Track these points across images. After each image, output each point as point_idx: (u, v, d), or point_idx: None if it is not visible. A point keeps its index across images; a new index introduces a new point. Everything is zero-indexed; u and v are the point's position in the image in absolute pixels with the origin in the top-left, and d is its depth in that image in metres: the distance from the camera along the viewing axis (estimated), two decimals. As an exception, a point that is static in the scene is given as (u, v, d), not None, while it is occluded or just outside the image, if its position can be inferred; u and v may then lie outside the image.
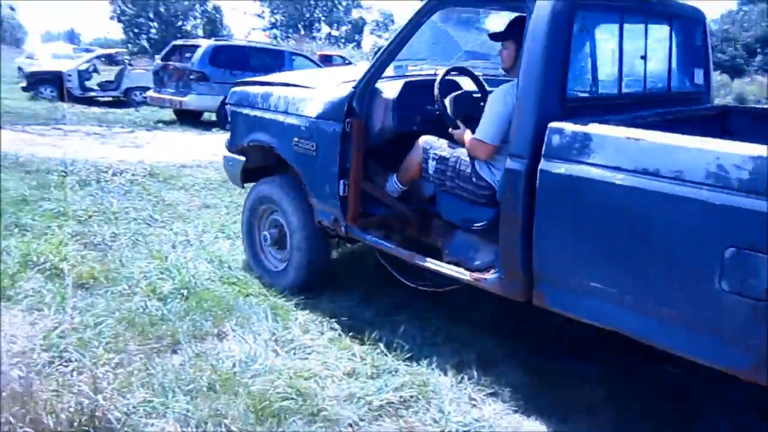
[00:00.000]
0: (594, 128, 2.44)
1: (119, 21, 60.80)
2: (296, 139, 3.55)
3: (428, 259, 3.14)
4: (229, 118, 4.24)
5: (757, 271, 1.98)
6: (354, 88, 3.31)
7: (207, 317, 3.30)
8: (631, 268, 2.32)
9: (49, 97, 15.66)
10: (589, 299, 2.47)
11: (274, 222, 3.90)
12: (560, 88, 2.64)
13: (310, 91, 3.60)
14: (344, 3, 62.10)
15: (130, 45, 58.05)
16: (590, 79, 3.24)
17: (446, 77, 3.41)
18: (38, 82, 16.08)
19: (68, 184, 5.74)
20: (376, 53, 3.39)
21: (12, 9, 56.88)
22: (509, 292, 2.78)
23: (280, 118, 3.67)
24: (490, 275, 2.84)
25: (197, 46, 12.15)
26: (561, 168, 2.46)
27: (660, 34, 3.43)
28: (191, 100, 11.59)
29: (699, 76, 3.70)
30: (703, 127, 2.87)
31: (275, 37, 56.22)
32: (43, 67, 17.63)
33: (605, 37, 3.26)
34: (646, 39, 3.25)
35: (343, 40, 57.82)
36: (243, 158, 4.11)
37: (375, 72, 3.28)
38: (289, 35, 55.61)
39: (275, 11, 62.93)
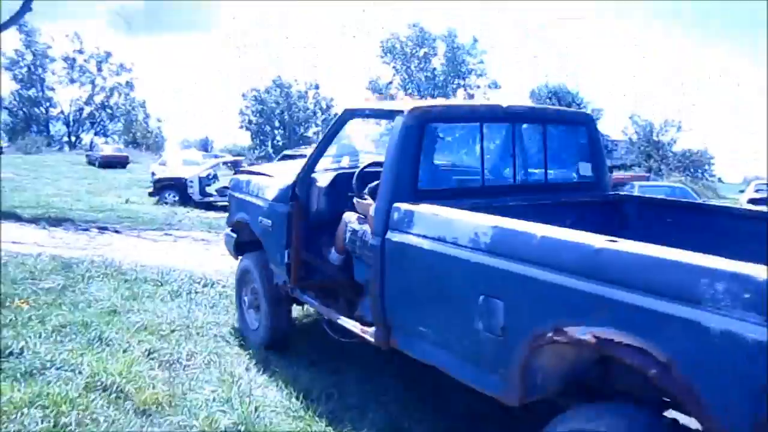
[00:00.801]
0: (414, 207, 3.13)
1: (247, 129, 65.78)
2: (260, 217, 4.45)
3: (341, 316, 3.78)
4: (228, 201, 5.29)
5: (495, 313, 2.54)
6: (296, 177, 4.12)
7: (260, 462, 2.98)
8: (436, 314, 2.97)
9: (171, 202, 16.71)
10: (421, 342, 3.07)
11: (253, 289, 4.71)
12: (411, 180, 3.32)
13: (272, 179, 4.48)
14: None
15: (255, 151, 62.34)
16: (450, 172, 4.04)
17: (366, 169, 4.03)
18: (163, 188, 17.25)
19: (160, 295, 5.76)
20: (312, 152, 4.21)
21: (159, 121, 62.84)
22: (379, 341, 3.33)
23: (252, 200, 4.61)
24: (371, 329, 3.40)
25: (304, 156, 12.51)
26: (396, 237, 3.15)
27: (535, 135, 4.08)
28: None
29: (587, 169, 4.18)
30: (574, 212, 3.69)
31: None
32: (168, 173, 18.96)
33: (469, 139, 4.11)
34: (514, 141, 3.87)
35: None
36: (235, 234, 5.01)
37: (309, 166, 4.13)
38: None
39: (391, 118, 65.47)
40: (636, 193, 13.34)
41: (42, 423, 3.16)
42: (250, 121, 66.95)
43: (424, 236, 2.98)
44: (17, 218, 10.63)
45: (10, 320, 4.72)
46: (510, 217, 2.73)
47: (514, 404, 2.54)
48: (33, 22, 53.44)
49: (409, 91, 56.70)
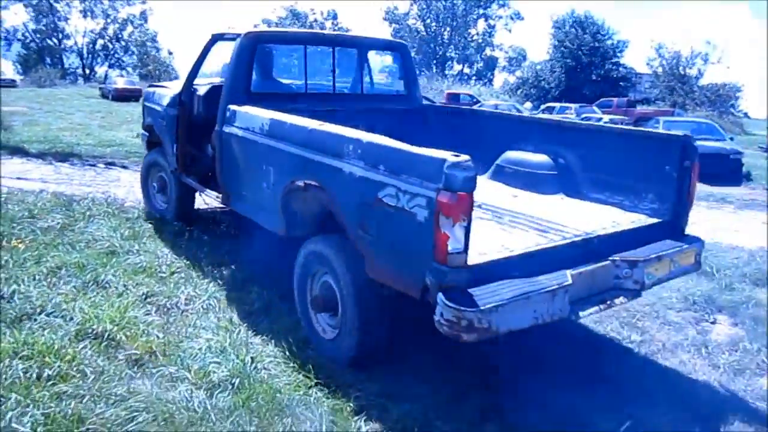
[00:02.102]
0: (237, 107, 4.41)
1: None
2: (159, 119, 5.68)
3: (206, 189, 5.08)
4: (142, 109, 6.33)
5: (269, 175, 3.98)
6: (182, 88, 5.24)
7: (253, 418, 2.79)
8: (247, 181, 4.30)
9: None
10: (243, 203, 4.45)
11: (160, 177, 6.00)
12: (245, 87, 4.63)
13: (169, 90, 5.66)
14: (477, 41, 61.71)
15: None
16: (279, 82, 5.42)
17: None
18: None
19: (162, 235, 5.55)
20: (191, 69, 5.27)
21: (170, 53, 61.71)
22: (224, 204, 4.75)
23: (155, 107, 5.78)
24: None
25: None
26: (226, 129, 4.46)
27: (355, 57, 5.47)
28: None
29: (399, 85, 5.62)
30: (386, 117, 5.14)
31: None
32: None
33: (296, 57, 5.54)
34: (333, 60, 5.22)
35: (474, 78, 57.54)
36: (147, 133, 6.19)
37: (190, 79, 5.24)
38: (422, 73, 56.25)
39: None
40: (660, 129, 12.92)
41: (24, 375, 2.98)
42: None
43: (239, 127, 4.30)
44: (25, 153, 10.40)
45: (5, 261, 4.54)
46: (327, 117, 3.95)
47: (284, 235, 3.89)
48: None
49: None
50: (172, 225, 5.73)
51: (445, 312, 2.60)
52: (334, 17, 68.45)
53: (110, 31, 59.86)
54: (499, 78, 61.57)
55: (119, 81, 35.46)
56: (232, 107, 4.43)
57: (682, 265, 3.58)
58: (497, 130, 5.06)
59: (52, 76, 44.70)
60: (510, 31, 65.06)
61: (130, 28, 60.39)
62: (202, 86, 5.28)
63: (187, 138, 5.24)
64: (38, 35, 57.83)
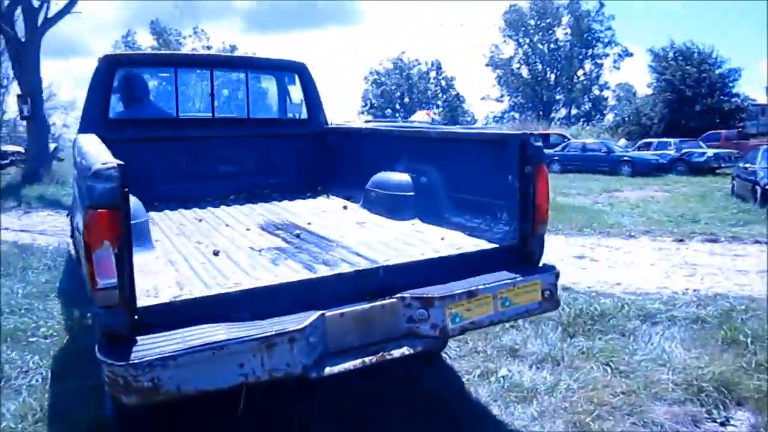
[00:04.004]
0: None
1: (369, 113, 66.18)
2: None
3: None
4: None
5: None
6: None
7: None
8: None
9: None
10: None
11: None
12: (102, 113, 4.39)
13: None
14: (583, 82, 59.79)
15: (376, 135, 62.54)
16: (147, 107, 4.96)
17: None
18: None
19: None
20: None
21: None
22: None
23: None
24: None
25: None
26: None
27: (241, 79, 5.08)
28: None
29: (298, 108, 5.22)
30: (279, 142, 5.10)
31: (513, 120, 56.09)
32: None
33: (169, 81, 4.93)
34: (212, 82, 4.87)
35: (583, 120, 55.50)
36: None
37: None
38: (526, 117, 55.08)
39: (514, 95, 63.18)
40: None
41: None
42: (372, 105, 67.47)
43: None
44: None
45: None
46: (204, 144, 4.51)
47: None
48: (165, 21, 57.52)
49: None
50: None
51: (103, 366, 2.07)
52: (438, 67, 69.21)
53: (225, 93, 63.86)
54: (610, 117, 58.99)
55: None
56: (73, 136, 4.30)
57: (521, 303, 2.81)
58: (393, 149, 4.46)
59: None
60: (618, 68, 62.24)
61: (240, 93, 64.14)
62: None
63: None
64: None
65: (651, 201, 13.95)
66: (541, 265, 3.01)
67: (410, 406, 3.26)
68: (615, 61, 58.93)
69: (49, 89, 39.61)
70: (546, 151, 17.94)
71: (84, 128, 4.20)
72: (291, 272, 2.73)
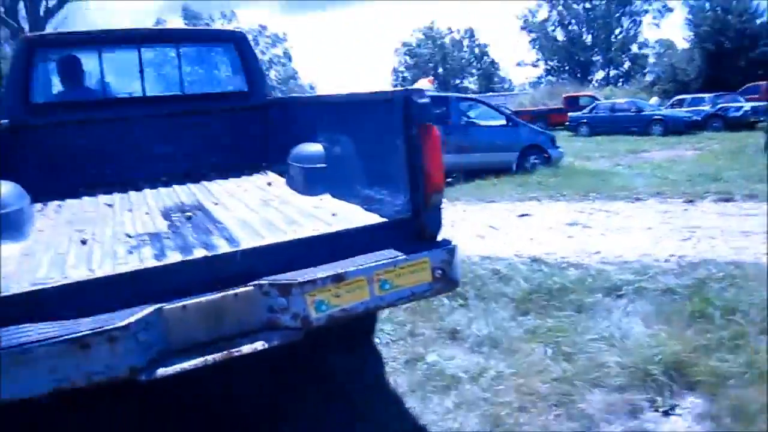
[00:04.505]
0: None
1: (402, 86, 65.33)
2: None
3: None
4: None
5: None
6: None
7: None
8: None
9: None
10: None
11: None
12: (23, 97, 4.13)
13: None
14: (621, 41, 57.62)
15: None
16: (71, 89, 4.58)
17: None
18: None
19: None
20: None
21: (312, 88, 64.80)
22: None
23: None
24: None
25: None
26: None
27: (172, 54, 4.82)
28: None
29: (238, 81, 4.82)
30: (218, 118, 4.71)
31: (550, 84, 54.55)
32: None
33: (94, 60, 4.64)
34: (140, 59, 4.57)
35: (621, 80, 53.58)
36: None
37: None
38: (563, 80, 53.51)
39: (549, 59, 61.44)
40: None
41: None
42: (404, 78, 66.64)
43: None
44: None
45: None
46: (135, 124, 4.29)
47: None
48: (199, 7, 57.91)
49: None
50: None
51: None
52: (471, 35, 67.85)
53: (258, 73, 64.12)
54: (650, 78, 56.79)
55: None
56: None
57: (405, 286, 2.44)
58: (317, 119, 4.10)
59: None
60: (658, 26, 59.76)
61: (274, 70, 64.30)
62: None
63: None
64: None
65: (677, 161, 13.20)
66: (439, 240, 2.64)
67: (313, 401, 2.95)
68: (654, 17, 56.54)
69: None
70: (573, 114, 17.20)
71: (6, 114, 4.02)
72: (137, 261, 2.43)
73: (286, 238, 2.52)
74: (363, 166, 3.13)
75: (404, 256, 2.45)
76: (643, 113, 21.39)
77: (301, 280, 2.28)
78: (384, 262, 2.41)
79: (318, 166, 3.44)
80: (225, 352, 2.20)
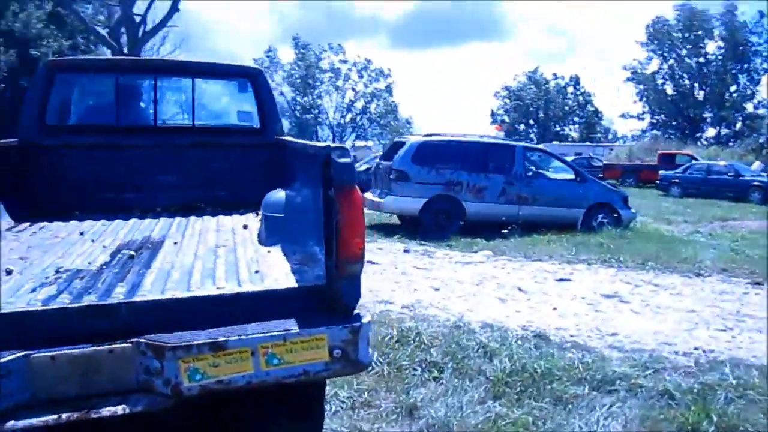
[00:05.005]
0: None
1: (501, 122, 64.99)
2: None
3: None
4: None
5: None
6: None
7: None
8: None
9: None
10: None
11: None
12: (39, 118, 4.26)
13: None
14: (735, 98, 54.65)
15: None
16: (86, 113, 4.92)
17: None
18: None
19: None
20: None
21: (408, 123, 65.51)
22: None
23: None
24: None
25: (413, 143, 11.40)
26: None
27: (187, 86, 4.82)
28: (388, 202, 10.71)
29: (249, 117, 4.84)
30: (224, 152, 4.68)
31: (655, 138, 52.37)
32: None
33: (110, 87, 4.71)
34: (155, 89, 4.67)
35: (733, 140, 50.62)
36: None
37: None
38: (670, 136, 51.29)
39: (657, 112, 59.11)
40: None
41: None
42: (502, 121, 66.17)
43: None
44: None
45: None
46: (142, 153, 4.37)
47: None
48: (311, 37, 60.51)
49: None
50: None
51: None
52: (576, 82, 66.62)
53: (358, 105, 65.69)
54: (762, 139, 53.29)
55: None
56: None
57: (296, 363, 2.21)
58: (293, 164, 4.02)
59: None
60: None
61: (375, 102, 65.56)
62: None
63: None
64: (298, 110, 65.70)
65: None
66: (356, 314, 2.38)
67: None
68: (773, 77, 53.24)
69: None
70: (666, 172, 16.22)
71: (21, 134, 4.20)
72: (25, 302, 2.33)
73: (181, 294, 2.36)
74: (302, 221, 2.95)
75: (297, 330, 2.22)
76: (742, 178, 19.97)
77: (173, 344, 2.10)
78: (273, 334, 2.19)
79: (274, 215, 3.28)
80: (83, 411, 2.06)
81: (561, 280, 6.80)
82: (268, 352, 2.18)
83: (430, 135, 11.73)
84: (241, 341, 2.15)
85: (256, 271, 2.70)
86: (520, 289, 6.21)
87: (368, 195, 11.70)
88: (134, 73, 4.89)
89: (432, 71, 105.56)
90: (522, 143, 13.53)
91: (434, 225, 10.31)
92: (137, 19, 15.55)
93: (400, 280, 6.47)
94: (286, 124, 65.37)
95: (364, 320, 2.31)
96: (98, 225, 3.94)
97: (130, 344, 2.12)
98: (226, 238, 3.47)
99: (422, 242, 9.31)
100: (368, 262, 7.59)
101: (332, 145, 2.40)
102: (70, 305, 2.24)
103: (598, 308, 5.53)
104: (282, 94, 66.08)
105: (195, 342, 2.12)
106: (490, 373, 3.66)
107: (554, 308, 5.48)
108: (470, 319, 4.93)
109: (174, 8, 15.89)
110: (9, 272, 2.75)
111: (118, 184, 4.58)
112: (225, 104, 5.31)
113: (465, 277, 6.80)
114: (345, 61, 64.69)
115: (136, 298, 2.30)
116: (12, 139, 4.44)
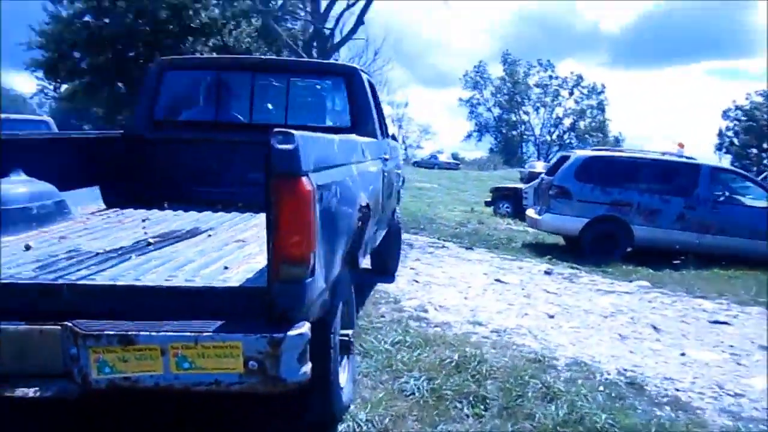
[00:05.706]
0: None
1: (727, 152, 58.79)
2: None
3: None
4: None
5: None
6: None
7: None
8: None
9: (503, 213, 16.13)
10: None
11: None
12: (148, 114, 4.75)
13: None
14: None
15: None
16: (190, 109, 5.20)
17: None
18: (500, 197, 16.79)
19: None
20: None
21: (618, 141, 61.70)
22: None
23: None
24: None
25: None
26: None
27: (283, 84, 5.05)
28: (546, 220, 9.97)
29: (341, 115, 4.99)
30: None
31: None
32: (506, 183, 18.51)
33: (211, 84, 5.10)
34: (252, 87, 4.95)
35: None
36: None
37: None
38: None
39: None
40: None
41: None
42: (731, 143, 59.67)
43: None
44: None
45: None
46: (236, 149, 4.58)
47: None
48: (524, 54, 60.03)
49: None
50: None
51: None
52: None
53: (566, 122, 63.53)
54: None
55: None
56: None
57: (207, 370, 1.99)
58: None
59: (495, 161, 49.54)
60: None
61: (584, 120, 62.92)
62: None
63: None
64: (505, 127, 65.18)
65: None
66: (297, 324, 2.09)
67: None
68: None
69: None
70: None
71: (133, 128, 4.81)
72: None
73: (121, 283, 2.25)
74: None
75: (210, 333, 2.00)
76: None
77: (84, 332, 2.00)
78: (184, 334, 2.00)
79: None
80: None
81: (715, 322, 5.71)
82: (178, 354, 1.99)
83: (598, 149, 10.72)
84: (151, 337, 1.99)
85: (225, 267, 2.54)
86: (654, 328, 5.32)
87: (529, 212, 11.07)
88: (234, 71, 5.13)
89: (651, 88, 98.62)
90: (710, 162, 11.80)
91: (596, 248, 9.33)
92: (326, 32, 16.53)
93: (516, 303, 5.88)
94: (490, 140, 65.42)
95: (294, 332, 2.02)
96: (165, 214, 4.06)
97: (59, 327, 2.06)
98: (246, 235, 3.37)
99: (574, 265, 8.46)
100: (496, 280, 7.06)
101: (277, 129, 2.16)
102: (18, 281, 2.25)
103: (741, 361, 4.51)
104: (489, 110, 66.13)
105: (105, 332, 2.00)
106: (540, 418, 3.08)
107: (682, 353, 4.58)
108: (563, 353, 4.28)
109: (359, 21, 16.65)
110: (27, 248, 2.89)
111: (210, 178, 4.72)
112: (318, 102, 5.31)
113: (597, 307, 6.01)
114: (555, 77, 63.10)
115: (80, 282, 2.25)
116: (118, 131, 4.79)
